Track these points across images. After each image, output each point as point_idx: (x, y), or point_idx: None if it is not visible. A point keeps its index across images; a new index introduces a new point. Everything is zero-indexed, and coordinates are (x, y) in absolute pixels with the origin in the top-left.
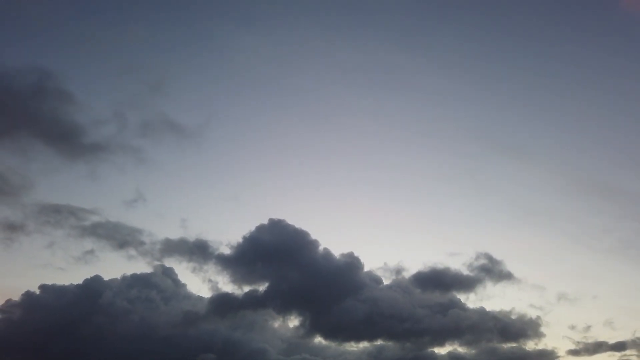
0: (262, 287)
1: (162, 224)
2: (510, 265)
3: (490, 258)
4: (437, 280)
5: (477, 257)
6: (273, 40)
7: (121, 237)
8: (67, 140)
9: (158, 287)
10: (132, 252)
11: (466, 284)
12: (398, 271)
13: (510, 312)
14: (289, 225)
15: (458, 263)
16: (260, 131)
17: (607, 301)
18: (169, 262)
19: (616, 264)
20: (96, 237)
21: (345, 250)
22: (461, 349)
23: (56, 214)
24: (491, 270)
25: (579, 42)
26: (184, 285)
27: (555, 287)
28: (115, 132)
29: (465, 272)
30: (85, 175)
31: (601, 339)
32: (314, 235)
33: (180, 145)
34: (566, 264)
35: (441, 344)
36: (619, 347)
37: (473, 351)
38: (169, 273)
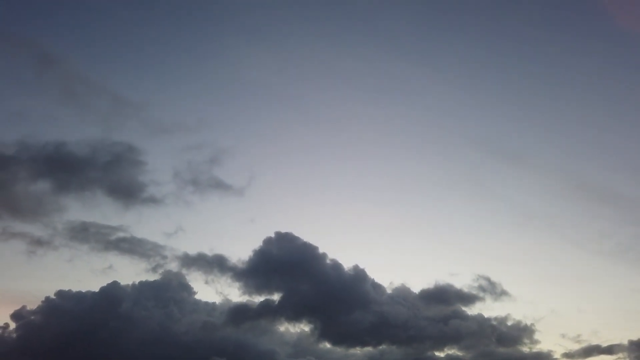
0: (272, 297)
1: (187, 246)
2: (507, 283)
3: (488, 280)
4: (440, 297)
5: (477, 279)
6: (283, 54)
7: (143, 252)
8: (127, 193)
9: (169, 292)
10: (153, 264)
11: (466, 299)
12: (403, 289)
13: (506, 318)
14: (295, 237)
15: (459, 284)
16: (266, 142)
17: (605, 304)
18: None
19: (615, 268)
20: (118, 250)
21: (346, 260)
22: (459, 353)
23: (84, 232)
24: (489, 291)
25: (579, 52)
26: (194, 292)
27: (554, 291)
28: (170, 190)
29: (466, 290)
30: (134, 220)
31: (598, 342)
32: (317, 246)
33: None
34: (566, 268)
35: (441, 348)
36: (617, 350)
37: (470, 354)
38: (179, 279)
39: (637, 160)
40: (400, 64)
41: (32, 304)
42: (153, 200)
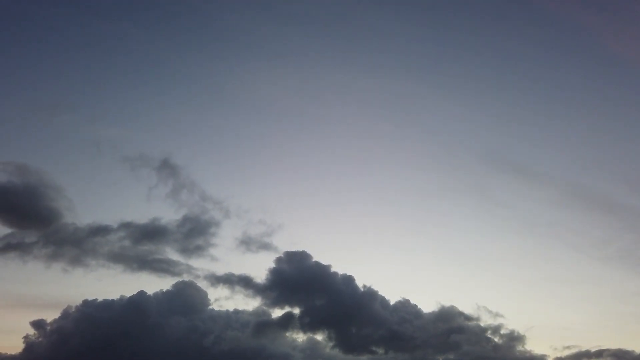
0: (286, 311)
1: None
2: (507, 287)
3: (486, 308)
4: (444, 318)
5: (477, 308)
6: (297, 74)
7: (175, 272)
8: (190, 251)
9: (185, 301)
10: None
11: (467, 319)
12: (408, 305)
13: (499, 326)
14: (307, 255)
15: (460, 307)
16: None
17: (605, 307)
18: (211, 291)
19: (615, 272)
20: (151, 269)
21: (349, 272)
22: (458, 358)
23: (121, 255)
24: (488, 315)
25: (578, 69)
26: (209, 302)
27: (553, 294)
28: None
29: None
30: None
31: (600, 345)
32: (322, 260)
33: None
34: (566, 272)
35: (441, 354)
36: (616, 353)
37: (468, 359)
38: (193, 286)
39: (636, 171)
40: (408, 81)
41: (56, 314)
42: (211, 257)
